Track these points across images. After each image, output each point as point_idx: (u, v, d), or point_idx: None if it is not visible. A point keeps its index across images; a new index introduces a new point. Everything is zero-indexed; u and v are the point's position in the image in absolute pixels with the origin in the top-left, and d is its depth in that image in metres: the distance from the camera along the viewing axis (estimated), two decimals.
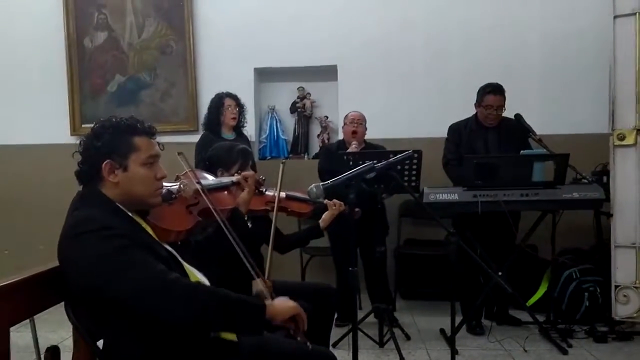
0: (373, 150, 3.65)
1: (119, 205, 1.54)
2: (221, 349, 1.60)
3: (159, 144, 1.64)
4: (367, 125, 3.77)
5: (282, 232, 2.73)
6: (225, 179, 2.23)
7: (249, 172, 2.29)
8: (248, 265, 1.77)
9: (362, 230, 3.11)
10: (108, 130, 1.54)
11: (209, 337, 1.57)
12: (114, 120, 1.58)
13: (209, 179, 2.13)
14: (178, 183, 1.83)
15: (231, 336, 1.66)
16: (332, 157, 3.66)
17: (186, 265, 1.68)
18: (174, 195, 1.75)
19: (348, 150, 3.54)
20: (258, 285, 1.97)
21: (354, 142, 3.64)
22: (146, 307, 1.37)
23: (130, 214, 1.57)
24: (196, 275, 1.71)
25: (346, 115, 3.83)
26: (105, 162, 1.51)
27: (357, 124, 3.71)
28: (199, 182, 1.83)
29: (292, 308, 1.55)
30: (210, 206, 1.81)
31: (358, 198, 2.15)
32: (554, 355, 3.12)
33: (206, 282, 1.71)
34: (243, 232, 1.92)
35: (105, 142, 1.53)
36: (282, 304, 1.55)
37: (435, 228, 4.14)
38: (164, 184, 1.68)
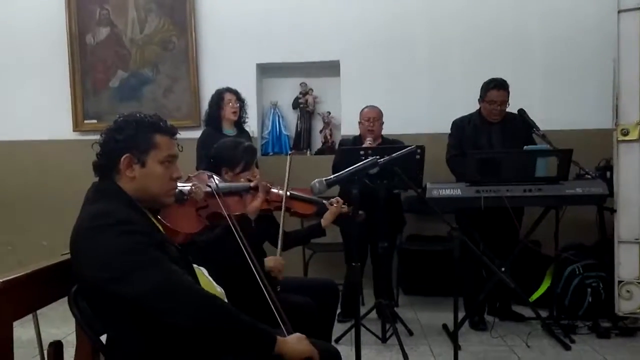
0: (389, 145, 3.53)
1: (134, 200, 1.54)
2: None
3: (178, 145, 1.63)
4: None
5: (284, 230, 2.71)
6: (240, 185, 2.18)
7: (263, 180, 2.25)
8: (256, 274, 1.76)
9: (375, 226, 3.10)
10: (131, 125, 1.54)
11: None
12: (137, 115, 1.57)
13: (221, 182, 2.09)
14: (190, 184, 1.80)
15: None
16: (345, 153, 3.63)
17: (195, 267, 1.67)
18: (185, 197, 1.74)
19: (363, 146, 3.49)
20: (270, 262, 2.13)
21: (368, 138, 3.61)
22: (155, 308, 1.35)
23: (143, 210, 1.56)
24: (203, 274, 1.70)
25: (361, 111, 3.73)
26: (124, 156, 1.51)
27: (374, 122, 3.63)
28: (213, 185, 1.81)
29: (306, 351, 1.46)
30: (224, 212, 1.80)
31: (361, 195, 2.12)
32: (556, 351, 3.12)
33: (219, 289, 1.70)
34: (250, 240, 1.88)
35: (127, 136, 1.52)
36: (296, 344, 1.46)
37: (438, 224, 4.14)
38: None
